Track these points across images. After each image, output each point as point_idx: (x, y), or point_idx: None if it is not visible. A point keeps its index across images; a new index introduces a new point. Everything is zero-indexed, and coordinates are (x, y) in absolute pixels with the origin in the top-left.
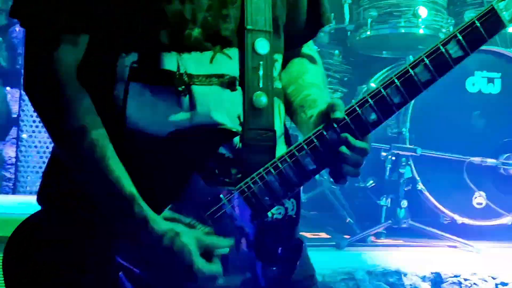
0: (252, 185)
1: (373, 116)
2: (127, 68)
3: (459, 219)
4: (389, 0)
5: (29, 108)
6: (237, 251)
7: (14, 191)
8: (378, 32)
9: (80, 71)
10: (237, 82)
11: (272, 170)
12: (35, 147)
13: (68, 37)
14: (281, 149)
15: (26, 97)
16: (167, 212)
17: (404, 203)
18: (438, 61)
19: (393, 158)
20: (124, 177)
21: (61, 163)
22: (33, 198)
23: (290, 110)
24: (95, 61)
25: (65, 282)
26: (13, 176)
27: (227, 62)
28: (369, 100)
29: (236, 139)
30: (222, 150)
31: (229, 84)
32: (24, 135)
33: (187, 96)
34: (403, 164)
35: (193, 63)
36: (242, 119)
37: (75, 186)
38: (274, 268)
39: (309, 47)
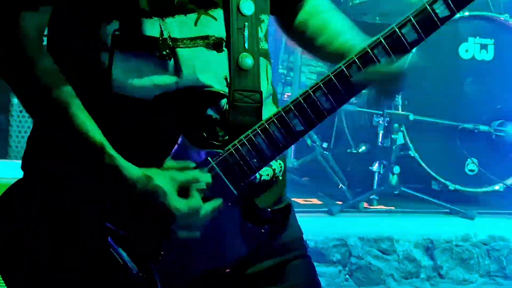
0: (240, 147)
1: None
2: (109, 36)
3: (452, 186)
4: None
5: None
6: (224, 212)
7: (5, 156)
8: None
9: (42, 36)
10: (224, 44)
11: (259, 132)
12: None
13: (28, 2)
14: (269, 109)
15: None
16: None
17: (397, 169)
18: (424, 20)
19: (386, 124)
20: (92, 129)
21: (38, 128)
22: None
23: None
24: (78, 31)
25: (52, 246)
26: (4, 141)
27: (212, 23)
28: (357, 61)
29: (223, 101)
30: (209, 112)
31: (215, 45)
32: (15, 100)
33: (172, 60)
34: (396, 130)
35: (177, 26)
36: (228, 81)
37: (53, 148)
38: (263, 230)
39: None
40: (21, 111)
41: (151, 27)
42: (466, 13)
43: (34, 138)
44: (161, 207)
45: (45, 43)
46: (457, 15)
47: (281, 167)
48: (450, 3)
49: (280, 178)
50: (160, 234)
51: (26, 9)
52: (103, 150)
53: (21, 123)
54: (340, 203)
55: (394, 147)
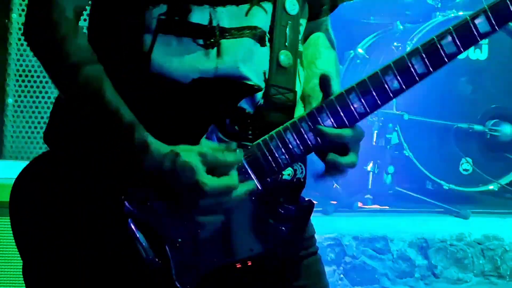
0: (269, 142)
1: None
2: (154, 19)
3: (446, 185)
4: None
5: (14, 72)
6: (247, 207)
7: (0, 156)
8: None
9: (79, 17)
10: (267, 38)
11: (290, 128)
12: (21, 111)
13: None
14: (299, 111)
15: (11, 61)
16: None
17: (391, 169)
18: (464, 35)
19: (380, 124)
20: (122, 107)
21: (65, 103)
22: (19, 163)
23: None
24: (122, 14)
25: (71, 226)
26: None
27: (262, 16)
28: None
29: (259, 95)
30: (243, 104)
31: (260, 38)
32: (10, 100)
33: (215, 48)
34: (390, 129)
35: (227, 16)
36: (267, 76)
37: (79, 125)
38: (283, 228)
39: (327, 26)
40: (15, 112)
41: (200, 15)
42: (461, 13)
43: (58, 113)
44: (190, 182)
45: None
46: (452, 15)
47: (302, 168)
48: (491, 18)
49: (302, 180)
50: (183, 216)
51: None
52: (133, 126)
53: (15, 124)
54: (335, 202)
55: (388, 147)
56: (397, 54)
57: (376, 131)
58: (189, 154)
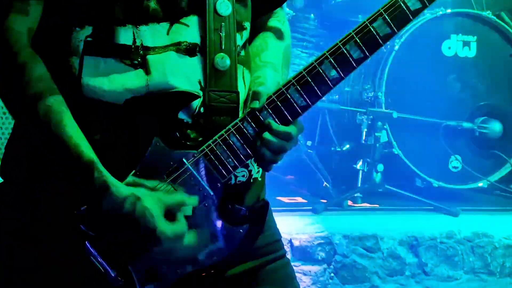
0: (214, 147)
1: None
2: (81, 42)
3: (436, 183)
4: None
5: None
6: (201, 214)
7: None
8: None
9: (34, 41)
10: (198, 48)
11: (233, 131)
12: None
13: (18, 6)
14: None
15: None
16: (130, 178)
17: (381, 167)
18: (397, 15)
19: (369, 122)
20: (83, 143)
21: (22, 135)
22: None
23: None
24: (51, 34)
25: (30, 253)
26: None
27: (185, 30)
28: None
29: (195, 103)
30: (181, 115)
31: (186, 50)
32: None
33: (143, 66)
34: (379, 128)
35: (150, 35)
36: (203, 84)
37: (36, 156)
38: (241, 230)
39: (278, 19)
40: (4, 113)
41: (124, 35)
42: (449, 10)
43: (14, 145)
44: (148, 229)
45: None
46: (440, 13)
47: (258, 168)
48: None
49: (259, 179)
50: (141, 250)
51: (18, 12)
52: (92, 165)
53: (4, 125)
54: (325, 201)
55: (378, 145)
56: (385, 52)
57: (365, 130)
58: (149, 200)
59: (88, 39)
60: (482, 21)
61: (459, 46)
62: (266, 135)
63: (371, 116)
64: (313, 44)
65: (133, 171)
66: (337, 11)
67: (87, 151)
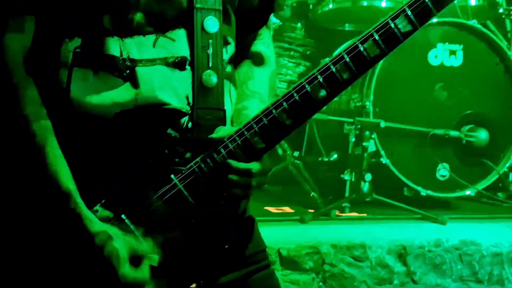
0: (202, 165)
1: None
2: (70, 53)
3: (423, 191)
4: None
5: None
6: (188, 231)
7: None
8: (340, 5)
9: (27, 59)
10: (187, 62)
11: (221, 149)
12: None
13: (14, 24)
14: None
15: None
16: (99, 208)
17: (368, 177)
18: (387, 36)
19: (357, 132)
20: (63, 171)
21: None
22: None
23: None
24: (40, 47)
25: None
26: None
27: (171, 45)
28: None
29: (183, 119)
30: (169, 130)
31: (175, 64)
32: None
33: (131, 79)
34: (367, 137)
35: (135, 47)
36: (191, 100)
37: (13, 187)
38: (227, 246)
39: (263, 41)
40: None
41: (112, 46)
42: (435, 20)
43: None
44: (112, 268)
45: None
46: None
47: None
48: (413, 18)
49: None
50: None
51: (13, 31)
52: (69, 194)
53: None
54: (312, 211)
55: (365, 154)
56: None
57: (352, 140)
58: (120, 242)
59: (77, 50)
60: (468, 30)
61: (445, 55)
62: (228, 175)
63: (359, 126)
64: (300, 54)
65: (103, 200)
66: (324, 20)
67: (66, 179)
